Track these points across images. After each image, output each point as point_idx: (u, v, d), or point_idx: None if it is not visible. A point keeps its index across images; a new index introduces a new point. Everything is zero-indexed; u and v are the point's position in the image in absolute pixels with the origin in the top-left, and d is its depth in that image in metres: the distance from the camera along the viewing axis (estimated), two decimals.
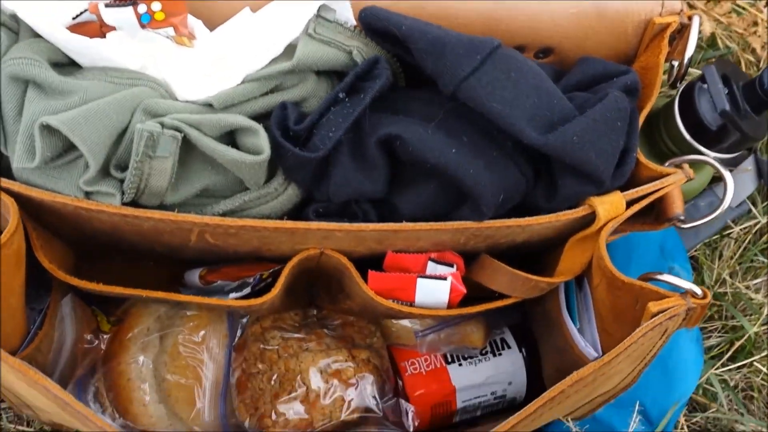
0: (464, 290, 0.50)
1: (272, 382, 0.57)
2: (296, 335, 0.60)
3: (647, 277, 0.47)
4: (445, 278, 0.49)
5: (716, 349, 0.73)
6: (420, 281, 0.49)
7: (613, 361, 0.43)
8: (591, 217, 0.47)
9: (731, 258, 0.73)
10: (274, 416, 0.56)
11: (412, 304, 0.50)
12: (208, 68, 0.43)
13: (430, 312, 0.50)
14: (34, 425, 0.68)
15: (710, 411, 0.71)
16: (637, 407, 0.65)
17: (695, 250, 0.73)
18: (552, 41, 0.48)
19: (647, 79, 0.48)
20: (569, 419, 0.59)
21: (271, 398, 0.57)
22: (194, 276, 0.53)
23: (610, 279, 0.46)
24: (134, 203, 0.44)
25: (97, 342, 0.58)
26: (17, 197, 0.43)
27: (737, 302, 0.73)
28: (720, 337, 0.73)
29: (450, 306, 0.51)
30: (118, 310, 0.60)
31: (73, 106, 0.41)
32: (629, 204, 0.46)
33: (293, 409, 0.57)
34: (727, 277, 0.72)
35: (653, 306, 0.43)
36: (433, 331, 0.63)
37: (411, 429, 0.60)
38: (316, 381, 0.57)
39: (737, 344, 0.71)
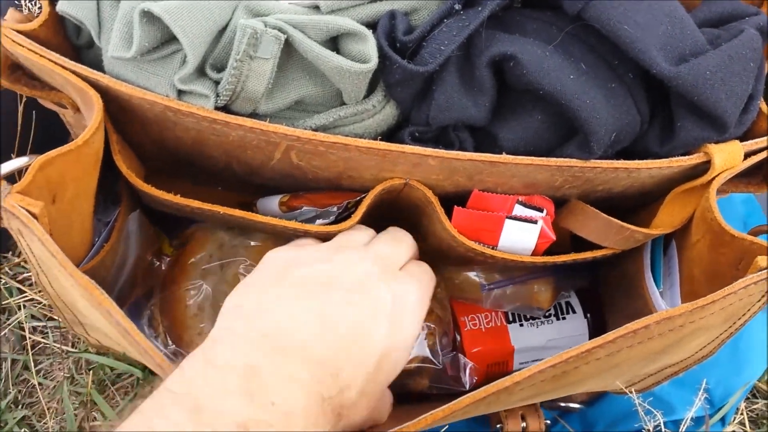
0: (554, 237, 0.47)
1: None
2: None
3: (758, 230, 0.44)
4: (535, 221, 0.46)
5: None
6: (508, 222, 0.46)
7: (707, 308, 0.39)
8: (703, 167, 0.43)
9: None
10: None
11: (494, 247, 0.48)
12: None
13: (513, 257, 0.48)
14: (80, 346, 0.67)
15: None
16: (704, 385, 0.63)
17: None
18: None
19: None
20: (633, 390, 0.57)
21: None
22: (272, 203, 0.50)
23: (717, 233, 0.43)
24: (225, 110, 0.41)
25: (158, 264, 0.56)
26: (105, 92, 0.41)
27: None
28: None
29: (535, 253, 0.48)
30: (182, 235, 0.58)
31: None
32: (746, 156, 0.43)
33: None
34: None
35: (762, 260, 0.39)
36: (499, 287, 0.61)
37: (468, 385, 0.58)
38: None
39: None
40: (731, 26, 0.43)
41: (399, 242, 0.44)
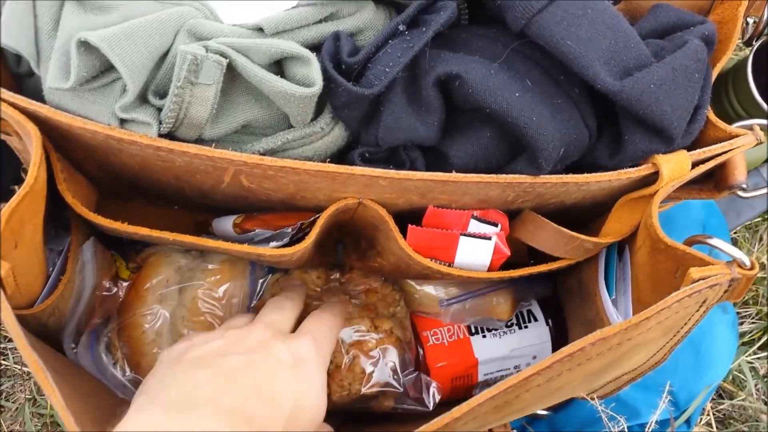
0: (508, 252, 0.47)
1: None
2: (316, 302, 0.58)
3: (693, 240, 0.44)
4: (489, 238, 0.46)
5: (748, 336, 0.71)
6: (462, 240, 0.46)
7: (642, 324, 0.39)
8: (653, 177, 0.44)
9: None
10: None
11: (450, 264, 0.48)
12: None
13: (470, 274, 0.48)
14: None
15: (737, 399, 0.69)
16: (667, 387, 0.63)
17: (735, 233, 0.71)
18: None
19: (722, 34, 0.45)
20: (594, 397, 0.57)
21: None
22: (226, 223, 0.50)
23: (654, 241, 0.43)
24: (170, 136, 0.41)
25: (115, 289, 0.55)
26: (45, 123, 0.40)
27: None
28: (754, 323, 0.71)
29: (491, 269, 0.48)
30: (138, 257, 0.57)
31: (113, 23, 0.38)
32: (694, 165, 0.44)
33: None
34: (766, 262, 0.70)
35: (695, 272, 0.40)
36: (459, 301, 0.61)
37: (431, 405, 0.58)
38: (335, 352, 0.55)
39: None
40: (676, 36, 0.43)
41: (282, 308, 0.48)
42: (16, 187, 0.78)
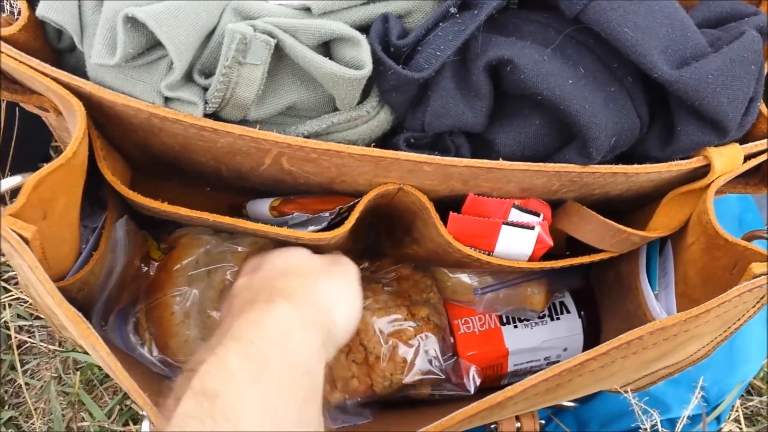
0: (551, 243, 0.46)
1: None
2: None
3: (752, 236, 0.43)
4: (532, 227, 0.45)
5: None
6: (504, 228, 0.45)
7: (701, 317, 0.39)
8: (703, 170, 0.43)
9: None
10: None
11: (490, 253, 0.47)
12: None
13: (509, 263, 0.47)
14: (67, 345, 0.66)
15: (767, 396, 0.68)
16: (700, 383, 0.63)
17: None
18: None
19: None
20: (628, 390, 0.56)
21: None
22: (263, 206, 0.49)
23: (711, 237, 0.42)
24: (214, 116, 0.40)
25: (146, 269, 0.55)
26: (87, 99, 0.40)
27: None
28: None
29: (532, 259, 0.47)
30: (170, 238, 0.56)
31: None
32: (745, 159, 0.43)
33: (352, 372, 0.55)
34: None
35: (757, 267, 0.39)
36: (493, 290, 0.60)
37: (473, 389, 0.57)
38: (374, 343, 0.55)
39: None
40: (731, 27, 0.42)
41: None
42: (44, 164, 0.78)
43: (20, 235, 0.35)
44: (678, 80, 0.37)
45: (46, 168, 0.37)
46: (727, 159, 0.41)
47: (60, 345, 0.67)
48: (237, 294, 0.43)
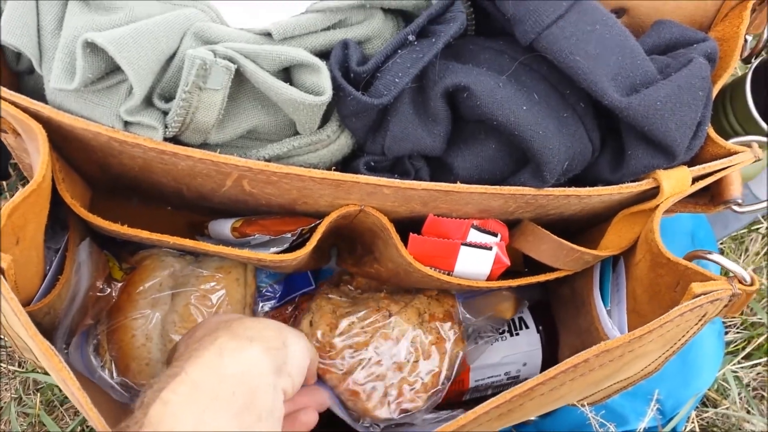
0: (508, 263, 0.47)
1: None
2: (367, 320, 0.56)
3: (693, 255, 0.45)
4: (489, 248, 0.46)
5: (733, 345, 0.72)
6: (463, 249, 0.46)
7: (645, 337, 0.40)
8: (652, 192, 0.44)
9: (757, 254, 0.72)
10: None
11: (450, 273, 0.48)
12: None
13: (469, 283, 0.48)
14: (27, 366, 0.65)
15: (721, 407, 0.70)
16: (656, 396, 0.64)
17: (721, 243, 0.72)
18: (628, 1, 0.45)
19: (722, 51, 0.45)
20: (585, 404, 0.58)
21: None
22: (224, 227, 0.49)
23: (655, 255, 0.44)
24: (174, 139, 0.40)
25: (108, 290, 0.55)
26: (46, 122, 0.40)
27: (761, 299, 0.71)
28: (738, 333, 0.72)
29: (490, 278, 0.48)
30: (132, 259, 0.56)
31: (118, 23, 0.37)
32: (693, 181, 0.44)
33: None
34: (752, 273, 0.71)
35: (697, 287, 0.40)
36: (463, 300, 0.61)
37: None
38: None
39: (757, 342, 0.70)
40: (680, 53, 0.43)
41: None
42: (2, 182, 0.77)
43: None
44: (627, 107, 0.39)
45: (19, 195, 0.37)
46: (675, 181, 0.43)
47: (20, 366, 0.66)
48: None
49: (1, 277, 0.36)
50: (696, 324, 0.41)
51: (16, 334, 0.46)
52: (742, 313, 0.73)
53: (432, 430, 0.39)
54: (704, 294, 0.40)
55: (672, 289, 0.43)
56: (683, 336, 0.43)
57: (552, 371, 0.38)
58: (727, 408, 0.69)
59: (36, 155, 0.40)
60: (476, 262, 0.46)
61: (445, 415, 0.54)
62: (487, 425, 0.40)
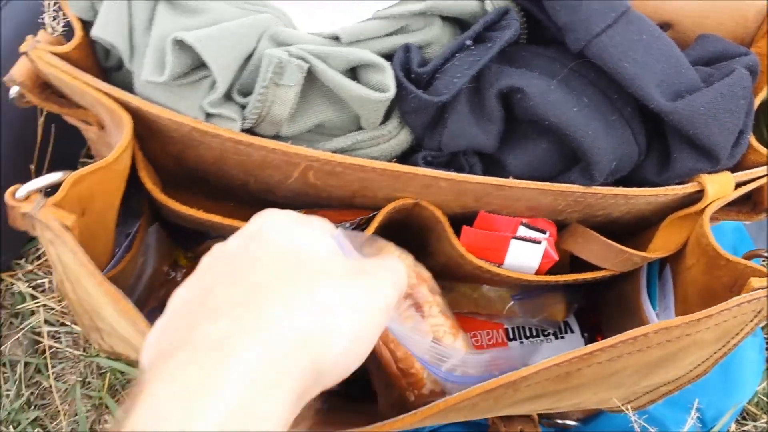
0: (557, 257, 0.49)
1: None
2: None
3: (751, 255, 0.47)
4: (539, 242, 0.49)
5: None
6: (513, 242, 0.49)
7: (702, 322, 0.41)
8: (697, 196, 0.46)
9: None
10: None
11: (500, 265, 0.50)
12: (336, 1, 0.43)
13: (518, 275, 0.50)
14: (90, 351, 0.69)
15: (761, 421, 0.71)
16: (696, 404, 0.65)
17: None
18: (673, 16, 0.48)
19: (762, 65, 0.48)
20: (629, 407, 0.59)
21: None
22: None
23: (713, 257, 0.46)
24: (249, 132, 0.44)
25: (173, 275, 0.58)
26: (134, 113, 0.44)
27: None
28: None
29: (538, 272, 0.50)
30: (198, 249, 0.60)
31: (202, 25, 0.41)
32: (736, 187, 0.46)
33: None
34: None
35: (756, 281, 0.42)
36: (526, 298, 0.63)
37: None
38: None
39: None
40: (722, 65, 0.46)
41: None
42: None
43: (62, 223, 0.38)
44: (673, 111, 0.41)
45: (87, 168, 0.40)
46: (719, 185, 0.45)
47: (84, 351, 0.70)
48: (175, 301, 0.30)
49: (68, 231, 0.38)
50: (751, 320, 0.43)
51: (85, 303, 0.49)
52: None
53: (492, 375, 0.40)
54: (763, 287, 0.41)
55: (728, 290, 0.45)
56: (738, 332, 0.44)
57: (613, 339, 0.40)
58: (766, 422, 0.70)
59: (118, 141, 0.44)
60: (525, 255, 0.48)
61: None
62: (544, 384, 0.41)
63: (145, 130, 0.46)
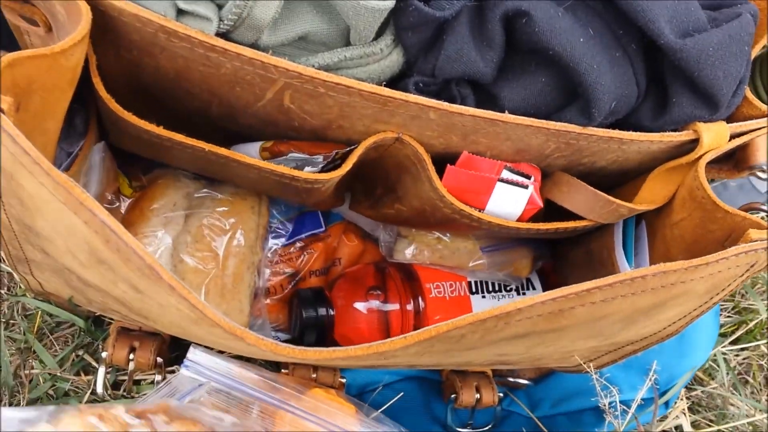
0: (541, 204, 0.47)
1: None
2: None
3: (749, 207, 0.45)
4: (525, 186, 0.46)
5: (723, 328, 0.73)
6: (499, 185, 0.46)
7: (700, 269, 0.39)
8: (689, 146, 0.45)
9: None
10: None
11: (481, 210, 0.47)
12: None
13: (498, 221, 0.47)
14: (16, 290, 0.63)
15: (709, 387, 0.71)
16: (654, 366, 0.65)
17: None
18: None
19: (759, 19, 0.46)
20: (591, 365, 0.58)
21: None
22: (251, 149, 0.48)
23: (709, 210, 0.44)
24: (225, 37, 0.39)
25: (117, 204, 0.53)
26: (93, 6, 0.38)
27: (754, 285, 0.73)
28: (729, 317, 0.73)
29: (520, 219, 0.48)
30: (145, 177, 0.55)
31: None
32: (730, 138, 0.45)
33: None
34: None
35: (754, 233, 0.41)
36: (494, 250, 0.60)
37: None
38: None
39: (748, 326, 0.72)
40: (725, 11, 0.44)
41: None
42: None
43: None
44: (682, 48, 0.39)
45: (26, 51, 0.34)
46: (715, 135, 0.43)
47: (9, 290, 0.64)
48: None
49: (4, 116, 0.32)
50: (742, 274, 0.42)
51: (14, 214, 0.42)
52: (734, 297, 0.74)
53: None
54: (761, 239, 0.40)
55: (720, 244, 0.43)
56: (726, 287, 0.43)
57: (610, 278, 0.38)
58: (714, 388, 0.70)
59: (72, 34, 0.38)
60: (510, 200, 0.46)
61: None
62: (536, 321, 0.39)
63: (99, 32, 0.41)
